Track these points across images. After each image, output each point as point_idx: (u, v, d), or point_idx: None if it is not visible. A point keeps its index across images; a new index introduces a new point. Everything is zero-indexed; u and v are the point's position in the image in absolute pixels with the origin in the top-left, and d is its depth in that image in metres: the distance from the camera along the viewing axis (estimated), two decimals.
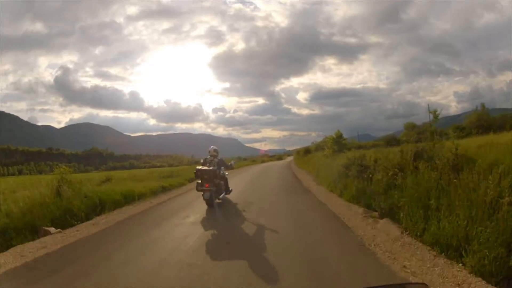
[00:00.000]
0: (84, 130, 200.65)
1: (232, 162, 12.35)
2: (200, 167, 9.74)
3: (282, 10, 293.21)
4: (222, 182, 10.34)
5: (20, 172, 62.71)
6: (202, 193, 9.43)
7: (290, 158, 79.60)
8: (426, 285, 1.44)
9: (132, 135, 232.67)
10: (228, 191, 10.94)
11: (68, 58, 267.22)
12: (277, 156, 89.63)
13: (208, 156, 10.35)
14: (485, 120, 39.19)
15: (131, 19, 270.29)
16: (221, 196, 10.23)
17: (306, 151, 38.61)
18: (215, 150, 10.46)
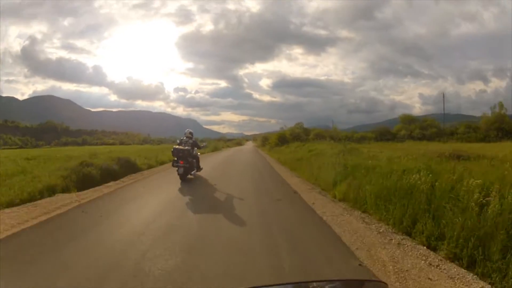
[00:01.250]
0: (46, 102, 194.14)
1: (204, 143, 14.53)
2: (176, 146, 11.50)
3: None
4: (194, 160, 12.01)
5: None
6: (176, 167, 11.32)
7: (250, 144, 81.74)
8: (386, 284, 1.48)
9: (92, 110, 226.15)
10: (199, 169, 12.60)
11: (37, 28, 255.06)
12: (235, 140, 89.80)
13: (184, 137, 12.02)
14: (507, 123, 40.10)
15: None
16: (192, 172, 11.85)
17: (281, 138, 38.84)
18: (190, 133, 12.19)
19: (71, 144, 65.56)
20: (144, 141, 76.18)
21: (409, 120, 52.76)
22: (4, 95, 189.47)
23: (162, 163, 18.72)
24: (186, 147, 11.51)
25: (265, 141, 52.75)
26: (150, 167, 16.55)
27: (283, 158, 21.34)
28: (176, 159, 11.34)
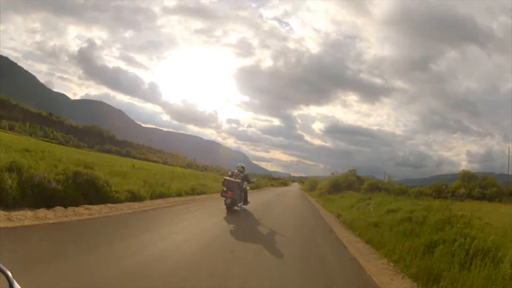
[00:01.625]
0: (97, 108, 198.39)
1: (255, 179, 15.44)
2: (227, 177, 12.04)
3: (316, 37, 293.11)
4: (243, 194, 12.47)
5: (11, 129, 58.57)
6: (224, 198, 11.83)
7: (296, 186, 77.26)
8: None
9: (143, 125, 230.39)
10: (246, 202, 12.97)
11: (97, 34, 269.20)
12: (281, 180, 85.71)
13: (236, 171, 12.55)
14: None
15: (166, 11, 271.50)
16: (239, 204, 12.14)
17: (334, 185, 33.25)
18: (242, 167, 12.72)
19: (114, 153, 64.76)
20: (188, 165, 70.72)
21: (468, 177, 48.44)
22: (55, 90, 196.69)
23: (200, 192, 18.12)
24: (237, 180, 11.87)
25: (314, 185, 49.38)
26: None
27: (346, 216, 14.40)
28: (225, 189, 11.70)
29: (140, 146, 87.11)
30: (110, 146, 67.19)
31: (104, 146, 66.64)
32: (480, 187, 42.86)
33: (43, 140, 50.09)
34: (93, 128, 78.68)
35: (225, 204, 11.58)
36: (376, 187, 35.59)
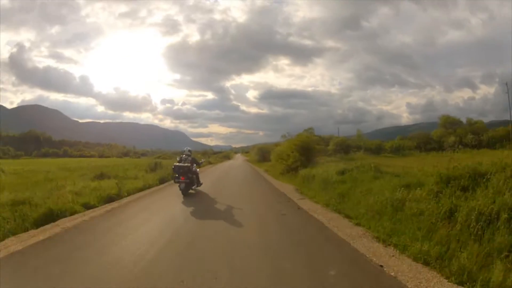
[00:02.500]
0: (34, 112, 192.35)
1: (202, 160, 15.25)
2: (177, 163, 12.35)
3: (242, 5, 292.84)
4: (194, 176, 12.81)
5: None
6: (177, 183, 12.11)
7: (240, 158, 73.49)
8: None
9: (80, 120, 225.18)
10: (199, 184, 13.35)
11: (26, 36, 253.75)
12: (223, 153, 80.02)
13: (184, 155, 12.78)
14: None
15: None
16: (193, 187, 12.73)
17: (304, 150, 20.06)
18: (189, 150, 13.10)
19: (51, 155, 65.02)
20: (125, 154, 74.86)
21: (451, 123, 44.42)
22: None
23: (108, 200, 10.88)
24: (186, 164, 12.29)
25: (264, 155, 42.02)
26: None
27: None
28: (177, 175, 12.08)
29: (78, 143, 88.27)
30: (46, 149, 69.04)
31: (41, 150, 68.68)
32: (472, 133, 38.77)
33: None
34: (28, 133, 78.63)
35: (180, 189, 12.00)
36: (345, 146, 33.94)
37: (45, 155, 64.15)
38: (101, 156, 65.45)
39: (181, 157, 12.88)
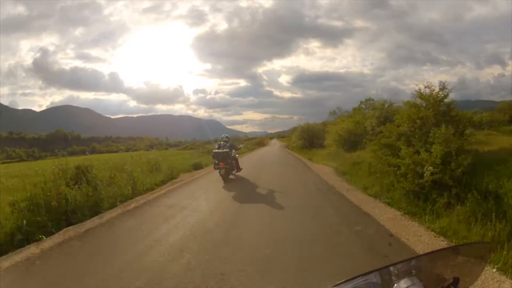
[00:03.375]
0: (64, 112, 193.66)
1: (241, 145, 16.33)
2: (216, 150, 12.60)
3: None
4: (233, 161, 12.97)
5: None
6: (217, 169, 12.28)
7: (277, 144, 62.97)
8: (490, 243, 1.61)
9: (112, 117, 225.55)
10: (239, 169, 13.41)
11: (49, 41, 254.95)
12: (256, 139, 65.74)
13: (221, 142, 12.87)
14: None
15: None
16: (233, 172, 12.91)
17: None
18: (226, 137, 13.18)
19: (79, 153, 63.32)
20: (152, 146, 70.69)
21: None
22: (20, 107, 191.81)
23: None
24: (225, 150, 12.44)
25: (310, 139, 28.81)
26: None
27: None
28: (217, 161, 12.31)
29: (108, 138, 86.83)
30: (73, 148, 67.32)
31: (67, 149, 66.77)
32: None
33: (4, 163, 47.27)
34: (56, 133, 77.63)
35: (220, 175, 12.21)
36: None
37: (72, 153, 61.32)
38: (128, 150, 61.54)
39: (219, 144, 13.04)
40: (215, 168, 12.54)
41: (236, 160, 13.27)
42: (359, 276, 1.11)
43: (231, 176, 12.65)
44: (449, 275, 1.24)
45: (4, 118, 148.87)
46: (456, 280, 1.23)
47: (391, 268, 1.15)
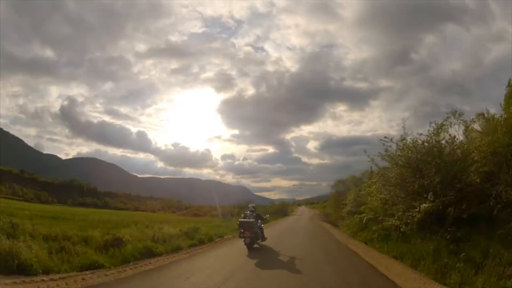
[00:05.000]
0: (90, 164, 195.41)
1: (267, 216, 16.45)
2: (242, 219, 13.42)
3: (292, 54, 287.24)
4: (259, 231, 13.56)
5: None
6: (243, 238, 13.04)
7: (306, 213, 57.20)
8: None
9: (139, 175, 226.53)
10: (263, 238, 14.03)
11: (77, 91, 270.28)
12: (276, 205, 59.14)
13: (248, 212, 13.81)
14: None
15: (139, 56, 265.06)
16: (258, 241, 13.48)
17: None
18: (253, 207, 14.23)
19: (89, 205, 59.42)
20: (163, 209, 66.30)
21: None
22: (45, 152, 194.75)
23: None
24: (251, 220, 13.15)
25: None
26: None
27: None
28: (242, 230, 12.97)
29: (126, 195, 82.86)
30: (83, 199, 63.04)
31: (77, 199, 62.77)
32: None
33: (5, 198, 45.68)
34: (70, 182, 74.92)
35: (245, 243, 12.79)
36: None
37: (81, 204, 58.91)
38: (136, 210, 57.37)
39: (245, 213, 13.77)
40: (240, 237, 13.24)
41: (261, 229, 13.89)
42: None
43: (255, 245, 13.11)
44: None
45: (28, 159, 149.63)
46: None
47: None
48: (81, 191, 71.43)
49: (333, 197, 32.79)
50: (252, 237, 12.77)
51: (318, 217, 38.92)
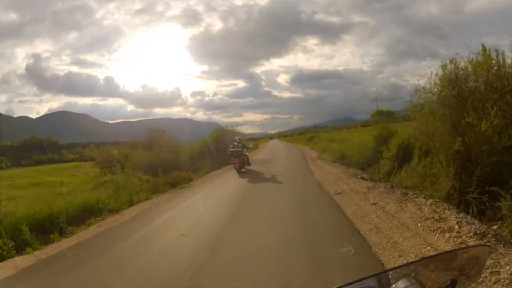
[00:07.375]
0: (61, 119, 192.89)
1: (250, 145, 21.77)
2: (231, 149, 15.76)
3: None
4: (245, 158, 16.12)
5: None
6: (233, 164, 15.60)
7: (279, 145, 50.56)
8: (489, 246, 1.64)
9: (110, 122, 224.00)
10: (249, 164, 16.52)
11: (43, 47, 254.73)
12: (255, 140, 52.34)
13: (235, 143, 16.05)
14: None
15: (102, 0, 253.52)
16: (245, 165, 15.95)
17: None
18: (239, 139, 16.58)
19: (45, 162, 59.51)
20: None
21: None
22: (16, 115, 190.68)
23: None
24: (238, 149, 15.62)
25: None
26: None
27: None
28: (232, 158, 15.50)
29: (103, 143, 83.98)
30: (39, 157, 64.06)
31: (33, 158, 63.90)
32: None
33: None
34: (30, 140, 74.65)
35: (235, 168, 15.30)
36: None
37: (37, 163, 59.11)
38: (82, 160, 58.01)
39: (233, 144, 16.04)
40: (231, 163, 15.86)
41: (247, 156, 16.33)
42: (356, 281, 1.18)
43: (243, 170, 15.51)
44: (447, 277, 1.31)
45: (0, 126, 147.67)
46: (453, 282, 1.28)
47: (390, 273, 1.23)
48: (42, 147, 71.64)
49: None
50: (240, 162, 15.31)
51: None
